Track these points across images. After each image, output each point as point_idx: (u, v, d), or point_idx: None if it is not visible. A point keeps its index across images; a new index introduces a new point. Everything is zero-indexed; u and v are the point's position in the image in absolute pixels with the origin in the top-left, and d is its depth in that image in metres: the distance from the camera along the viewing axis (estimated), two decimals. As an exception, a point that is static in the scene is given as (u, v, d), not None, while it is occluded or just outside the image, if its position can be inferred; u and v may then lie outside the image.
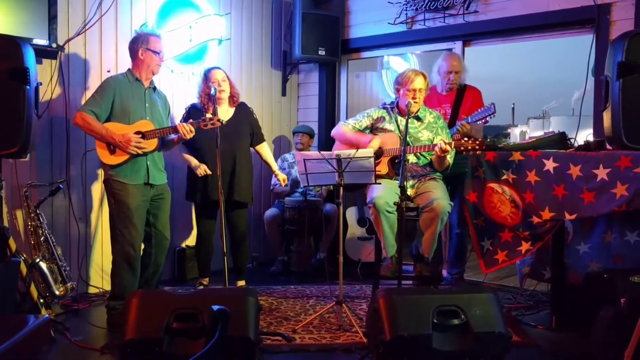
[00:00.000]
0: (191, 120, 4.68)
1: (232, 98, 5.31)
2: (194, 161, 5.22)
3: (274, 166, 5.62)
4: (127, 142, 4.42)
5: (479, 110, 5.08)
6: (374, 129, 5.16)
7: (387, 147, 4.98)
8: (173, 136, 4.75)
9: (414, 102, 4.88)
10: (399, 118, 5.04)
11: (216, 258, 5.90)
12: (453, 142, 4.63)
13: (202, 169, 5.15)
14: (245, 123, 5.39)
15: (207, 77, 5.25)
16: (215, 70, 5.29)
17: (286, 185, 6.00)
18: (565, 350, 4.20)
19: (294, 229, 6.19)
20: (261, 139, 5.56)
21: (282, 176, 5.56)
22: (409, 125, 4.93)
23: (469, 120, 5.09)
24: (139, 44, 4.63)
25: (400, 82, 5.00)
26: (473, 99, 5.53)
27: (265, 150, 5.59)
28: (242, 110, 5.39)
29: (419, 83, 4.90)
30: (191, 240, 6.12)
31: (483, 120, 5.08)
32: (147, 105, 4.65)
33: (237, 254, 5.44)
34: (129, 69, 4.70)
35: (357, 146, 4.89)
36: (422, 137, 4.99)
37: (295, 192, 6.46)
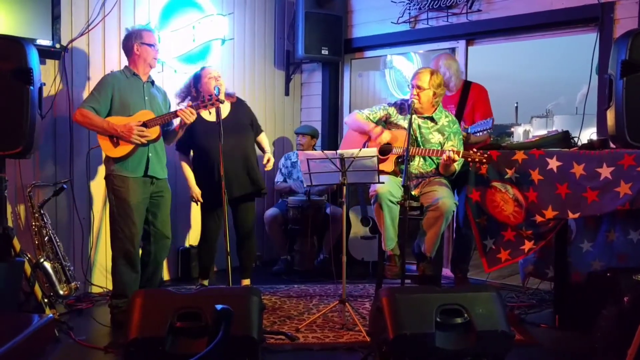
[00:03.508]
0: (190, 103, 4.68)
1: (228, 94, 5.25)
2: (191, 181, 5.25)
3: (268, 149, 5.52)
4: (129, 131, 4.43)
5: (479, 122, 5.00)
6: (388, 123, 5.12)
7: (396, 144, 4.96)
8: (174, 126, 4.76)
9: (412, 98, 4.88)
10: (414, 116, 4.98)
11: (220, 257, 5.92)
12: (461, 152, 4.62)
13: (195, 195, 5.20)
14: (244, 116, 5.36)
15: (199, 75, 5.16)
16: (209, 68, 5.25)
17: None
18: (568, 348, 4.21)
19: (298, 229, 6.20)
20: (260, 129, 5.54)
21: (267, 155, 5.40)
22: (422, 124, 4.93)
23: (469, 131, 5.05)
24: (132, 40, 4.65)
25: (410, 78, 5.01)
26: (476, 98, 5.50)
27: (264, 139, 5.58)
28: (240, 105, 5.35)
29: (419, 80, 4.87)
30: (195, 240, 6.11)
31: (481, 133, 5.02)
32: (146, 98, 4.67)
33: (242, 251, 5.40)
34: (125, 66, 4.73)
35: (367, 134, 4.91)
36: (433, 139, 4.94)
37: (296, 190, 6.46)
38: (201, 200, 5.23)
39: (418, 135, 4.92)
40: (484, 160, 4.50)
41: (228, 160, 4.80)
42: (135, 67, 4.68)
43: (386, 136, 4.92)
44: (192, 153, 5.37)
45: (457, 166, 4.78)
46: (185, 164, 5.28)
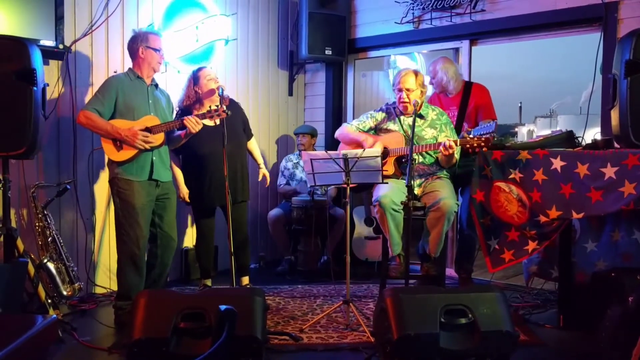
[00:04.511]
0: (196, 113, 4.67)
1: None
2: (181, 181, 5.25)
3: (261, 161, 5.68)
4: (133, 136, 4.41)
5: (482, 125, 5.00)
6: (378, 129, 5.17)
7: (391, 147, 4.97)
8: (179, 133, 4.75)
9: (402, 102, 4.95)
10: (402, 117, 5.06)
11: (222, 258, 5.92)
12: (458, 140, 4.64)
13: (182, 195, 5.21)
14: (238, 120, 5.38)
15: (196, 77, 5.18)
16: (206, 69, 5.27)
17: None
18: (573, 349, 4.20)
19: (301, 229, 6.20)
20: (251, 135, 5.58)
21: (263, 171, 5.61)
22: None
23: (471, 134, 5.06)
24: (138, 43, 4.63)
25: (393, 82, 5.08)
26: (478, 98, 5.51)
27: (255, 146, 5.66)
28: (233, 108, 5.26)
29: (406, 82, 4.93)
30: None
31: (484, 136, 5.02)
32: (150, 101, 4.65)
33: (239, 252, 5.33)
34: (129, 69, 4.71)
35: (360, 146, 4.90)
36: (426, 135, 4.98)
37: (301, 192, 6.45)
38: (187, 200, 5.27)
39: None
40: (482, 144, 4.51)
41: (222, 167, 4.78)
42: (140, 70, 4.66)
43: (379, 147, 4.91)
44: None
45: (456, 155, 4.81)
46: (174, 165, 5.23)
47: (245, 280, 5.45)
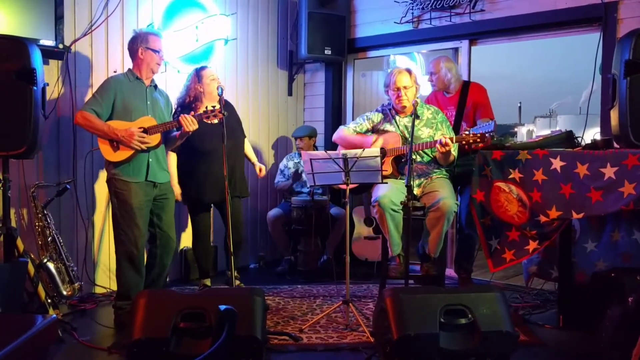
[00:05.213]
0: (193, 113, 4.67)
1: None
2: (174, 179, 5.21)
3: (255, 159, 5.77)
4: (129, 136, 4.41)
5: (480, 125, 4.97)
6: (375, 131, 5.16)
7: (389, 146, 4.97)
8: (175, 133, 4.74)
9: (401, 100, 4.96)
10: (398, 118, 5.05)
11: (222, 258, 5.91)
12: (455, 137, 4.63)
13: (176, 195, 5.14)
14: (233, 120, 5.41)
15: (200, 75, 5.25)
16: (209, 69, 5.35)
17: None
18: (573, 349, 4.20)
19: (301, 229, 6.19)
20: (244, 135, 5.63)
21: (259, 165, 5.72)
22: (408, 124, 4.95)
23: (470, 133, 5.06)
24: (138, 43, 4.63)
25: (387, 84, 5.05)
26: (476, 97, 5.49)
27: (248, 145, 5.73)
28: (229, 109, 5.29)
29: (401, 81, 4.94)
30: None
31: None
32: (148, 103, 4.65)
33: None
34: (129, 69, 4.71)
35: (360, 148, 4.90)
36: (423, 134, 4.96)
37: (301, 190, 6.45)
38: (179, 199, 5.25)
39: (407, 134, 4.94)
40: (478, 140, 4.51)
41: (218, 164, 4.78)
42: (139, 70, 4.66)
43: (379, 144, 4.95)
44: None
45: (454, 152, 4.81)
46: (172, 161, 5.26)
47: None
